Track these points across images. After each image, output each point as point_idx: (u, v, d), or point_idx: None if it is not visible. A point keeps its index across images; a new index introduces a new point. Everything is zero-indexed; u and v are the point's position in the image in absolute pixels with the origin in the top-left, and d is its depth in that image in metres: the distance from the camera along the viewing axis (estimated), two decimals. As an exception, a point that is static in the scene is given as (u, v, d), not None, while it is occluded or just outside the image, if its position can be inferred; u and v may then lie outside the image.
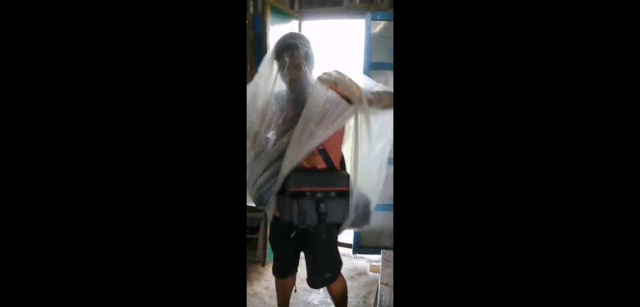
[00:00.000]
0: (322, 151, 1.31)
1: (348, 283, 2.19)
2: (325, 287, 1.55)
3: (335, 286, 1.53)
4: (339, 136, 1.35)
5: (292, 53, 1.24)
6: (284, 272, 1.55)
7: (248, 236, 2.72)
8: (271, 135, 1.28)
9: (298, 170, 1.26)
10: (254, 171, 1.31)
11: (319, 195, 1.24)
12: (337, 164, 1.38)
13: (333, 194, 1.26)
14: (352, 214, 1.29)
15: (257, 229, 2.65)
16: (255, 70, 2.48)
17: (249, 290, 2.11)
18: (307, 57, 1.26)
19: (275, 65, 1.30)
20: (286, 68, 1.26)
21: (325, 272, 1.48)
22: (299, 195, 1.22)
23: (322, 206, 1.23)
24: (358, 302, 2.01)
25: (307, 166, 1.30)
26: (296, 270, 1.58)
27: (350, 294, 2.09)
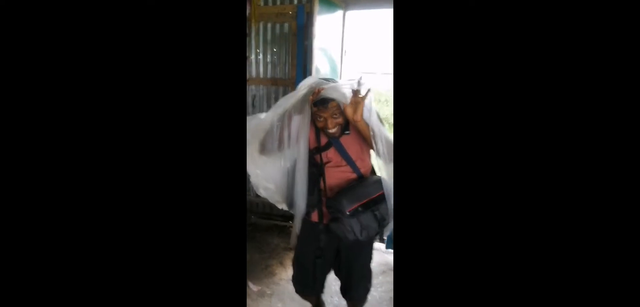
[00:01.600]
0: (352, 163, 1.34)
1: (380, 277, 2.21)
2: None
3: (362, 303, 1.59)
4: (362, 146, 1.36)
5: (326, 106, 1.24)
6: (320, 287, 1.54)
7: (281, 223, 2.79)
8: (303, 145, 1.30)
9: (342, 190, 1.30)
10: (288, 179, 1.34)
11: (371, 204, 1.27)
12: (367, 172, 1.39)
13: (379, 198, 1.28)
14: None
15: (290, 218, 2.71)
16: (296, 61, 2.52)
17: (283, 275, 2.17)
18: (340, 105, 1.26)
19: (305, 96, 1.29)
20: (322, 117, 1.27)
21: (368, 281, 1.51)
22: (355, 212, 1.25)
23: (377, 213, 1.27)
24: (390, 297, 2.01)
25: (344, 181, 1.33)
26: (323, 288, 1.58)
27: (382, 289, 2.10)
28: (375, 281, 2.15)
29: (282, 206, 1.45)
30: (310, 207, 1.34)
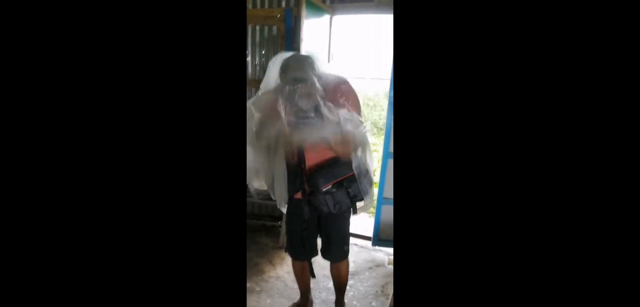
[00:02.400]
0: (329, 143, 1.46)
1: (366, 273, 2.27)
2: (330, 270, 1.72)
3: (343, 264, 1.70)
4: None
5: (299, 85, 1.35)
6: (309, 252, 1.67)
7: (270, 223, 2.82)
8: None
9: (317, 169, 1.43)
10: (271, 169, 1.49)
11: (345, 183, 1.43)
12: None
13: (352, 177, 1.44)
14: (368, 188, 1.50)
15: (279, 218, 2.75)
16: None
17: (271, 273, 2.20)
18: (314, 86, 1.36)
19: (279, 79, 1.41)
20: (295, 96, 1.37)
21: (345, 245, 1.64)
22: (329, 191, 1.42)
23: (350, 190, 1.44)
24: (376, 291, 2.07)
25: (320, 159, 1.45)
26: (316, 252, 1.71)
27: (368, 283, 2.16)
28: (362, 276, 2.21)
29: (263, 188, 1.58)
30: (293, 190, 1.47)
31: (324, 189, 1.40)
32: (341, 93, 1.40)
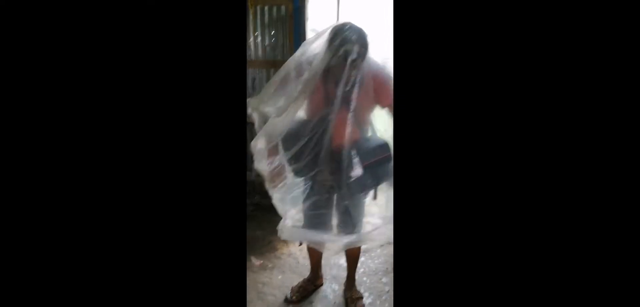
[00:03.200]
0: (358, 120, 1.43)
1: (378, 250, 2.29)
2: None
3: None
4: (368, 105, 1.45)
5: (354, 61, 1.32)
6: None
7: (284, 202, 2.87)
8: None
9: (349, 150, 1.42)
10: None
11: (373, 165, 1.44)
12: (367, 124, 1.52)
13: (380, 161, 1.44)
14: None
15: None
16: (293, 43, 2.56)
17: (284, 250, 2.26)
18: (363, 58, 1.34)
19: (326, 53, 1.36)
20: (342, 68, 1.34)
21: (359, 223, 1.64)
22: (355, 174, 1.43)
23: (375, 174, 1.44)
24: (386, 268, 2.10)
25: (350, 140, 1.43)
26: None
27: (379, 260, 2.19)
28: (373, 253, 2.23)
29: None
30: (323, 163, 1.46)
31: (351, 174, 1.41)
32: (376, 81, 1.38)
